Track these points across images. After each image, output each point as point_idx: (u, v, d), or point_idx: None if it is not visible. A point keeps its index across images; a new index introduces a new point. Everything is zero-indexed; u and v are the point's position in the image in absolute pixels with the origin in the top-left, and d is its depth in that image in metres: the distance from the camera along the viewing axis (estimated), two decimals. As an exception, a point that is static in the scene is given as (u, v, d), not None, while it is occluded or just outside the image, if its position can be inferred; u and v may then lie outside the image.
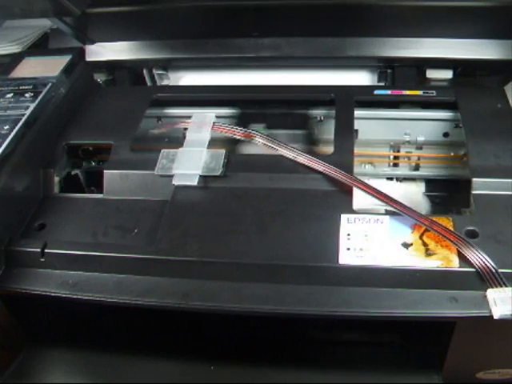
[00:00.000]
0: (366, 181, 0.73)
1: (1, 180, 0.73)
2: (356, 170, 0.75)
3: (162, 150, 0.78)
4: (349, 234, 0.66)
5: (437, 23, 0.86)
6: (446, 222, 0.65)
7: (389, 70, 0.96)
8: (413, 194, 0.89)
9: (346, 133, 0.80)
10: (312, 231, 0.67)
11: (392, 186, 0.90)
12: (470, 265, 0.61)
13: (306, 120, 0.94)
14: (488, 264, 0.59)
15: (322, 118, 0.92)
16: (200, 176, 0.74)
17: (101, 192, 0.79)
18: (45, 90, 0.87)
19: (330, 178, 0.72)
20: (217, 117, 0.84)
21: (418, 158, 0.91)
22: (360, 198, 0.71)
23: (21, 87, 0.88)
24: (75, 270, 0.70)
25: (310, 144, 0.95)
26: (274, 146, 0.77)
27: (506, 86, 0.86)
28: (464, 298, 0.61)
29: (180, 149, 0.79)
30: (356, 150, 0.78)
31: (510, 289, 0.58)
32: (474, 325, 0.64)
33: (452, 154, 0.89)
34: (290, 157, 0.76)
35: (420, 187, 0.90)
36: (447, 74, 0.93)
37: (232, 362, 0.78)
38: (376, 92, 0.89)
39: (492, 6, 0.80)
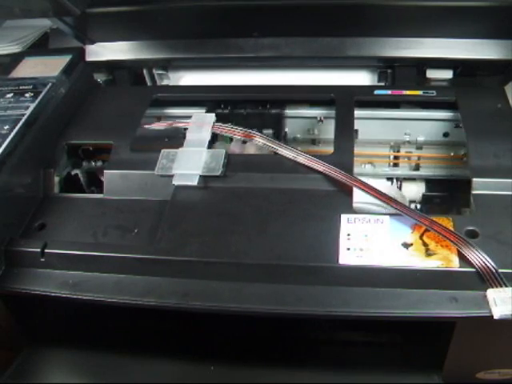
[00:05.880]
0: (366, 181, 0.73)
1: (1, 180, 0.73)
2: (356, 170, 0.75)
3: (162, 150, 0.78)
4: (349, 234, 0.66)
5: (437, 23, 0.86)
6: (446, 222, 0.65)
7: (389, 70, 0.96)
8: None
9: (345, 133, 0.80)
10: (312, 231, 0.67)
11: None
12: (470, 265, 0.60)
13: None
14: (488, 264, 0.59)
15: (322, 119, 0.92)
16: (200, 176, 0.74)
17: (101, 192, 0.79)
18: (45, 90, 0.87)
19: (330, 177, 0.72)
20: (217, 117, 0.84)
21: (418, 158, 0.91)
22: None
23: (21, 87, 0.88)
24: (75, 270, 0.70)
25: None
26: (274, 146, 0.77)
27: (505, 86, 0.86)
28: (464, 298, 0.61)
29: (180, 149, 0.79)
30: (356, 150, 0.78)
31: (510, 289, 0.58)
32: (474, 325, 0.64)
33: (452, 154, 0.89)
34: (290, 157, 0.76)
35: (420, 187, 0.90)
36: (447, 74, 0.93)
37: (232, 362, 0.78)
38: (376, 92, 0.89)
39: (492, 6, 0.80)
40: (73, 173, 0.87)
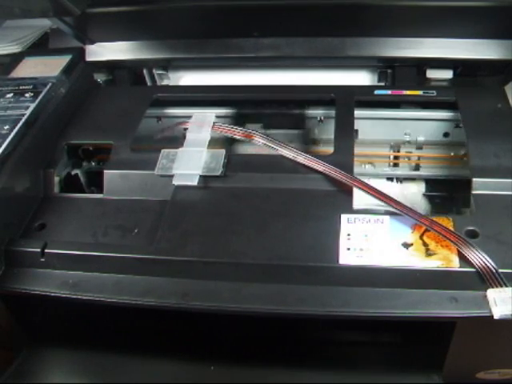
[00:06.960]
0: (366, 181, 0.73)
1: (1, 180, 0.73)
2: (356, 169, 0.75)
3: (162, 150, 0.78)
4: (349, 234, 0.66)
5: (437, 23, 0.86)
6: (446, 222, 0.65)
7: (389, 70, 0.96)
8: (412, 195, 0.89)
9: (345, 133, 0.80)
10: (312, 231, 0.67)
11: (391, 186, 0.90)
12: (470, 265, 0.60)
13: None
14: (488, 264, 0.59)
15: (322, 119, 0.92)
16: (200, 176, 0.74)
17: (101, 192, 0.79)
18: (45, 90, 0.87)
19: (330, 177, 0.72)
20: (217, 117, 0.84)
21: (418, 158, 0.91)
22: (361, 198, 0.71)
23: (21, 87, 0.88)
24: (75, 270, 0.70)
25: (310, 144, 0.95)
26: (274, 146, 0.77)
27: (506, 86, 0.86)
28: (464, 298, 0.61)
29: (180, 149, 0.79)
30: (356, 150, 0.78)
31: (510, 289, 0.58)
32: (474, 325, 0.64)
33: (452, 154, 0.89)
34: (290, 157, 0.76)
35: (420, 187, 0.90)
36: (447, 74, 0.93)
37: (232, 362, 0.78)
38: (376, 92, 0.89)
39: (492, 5, 0.80)
40: (73, 173, 0.87)
